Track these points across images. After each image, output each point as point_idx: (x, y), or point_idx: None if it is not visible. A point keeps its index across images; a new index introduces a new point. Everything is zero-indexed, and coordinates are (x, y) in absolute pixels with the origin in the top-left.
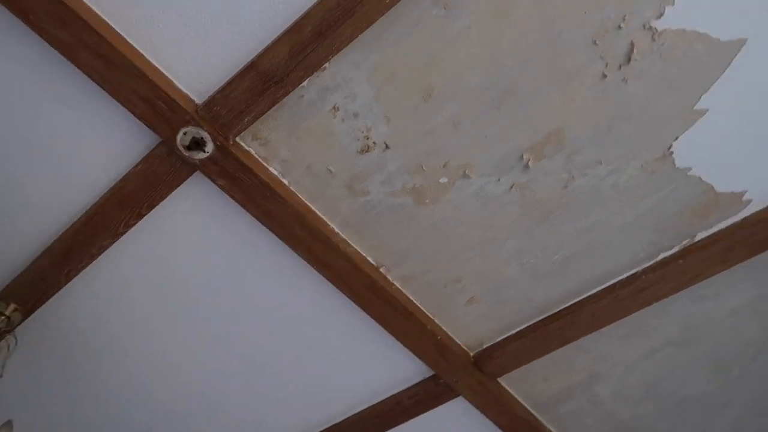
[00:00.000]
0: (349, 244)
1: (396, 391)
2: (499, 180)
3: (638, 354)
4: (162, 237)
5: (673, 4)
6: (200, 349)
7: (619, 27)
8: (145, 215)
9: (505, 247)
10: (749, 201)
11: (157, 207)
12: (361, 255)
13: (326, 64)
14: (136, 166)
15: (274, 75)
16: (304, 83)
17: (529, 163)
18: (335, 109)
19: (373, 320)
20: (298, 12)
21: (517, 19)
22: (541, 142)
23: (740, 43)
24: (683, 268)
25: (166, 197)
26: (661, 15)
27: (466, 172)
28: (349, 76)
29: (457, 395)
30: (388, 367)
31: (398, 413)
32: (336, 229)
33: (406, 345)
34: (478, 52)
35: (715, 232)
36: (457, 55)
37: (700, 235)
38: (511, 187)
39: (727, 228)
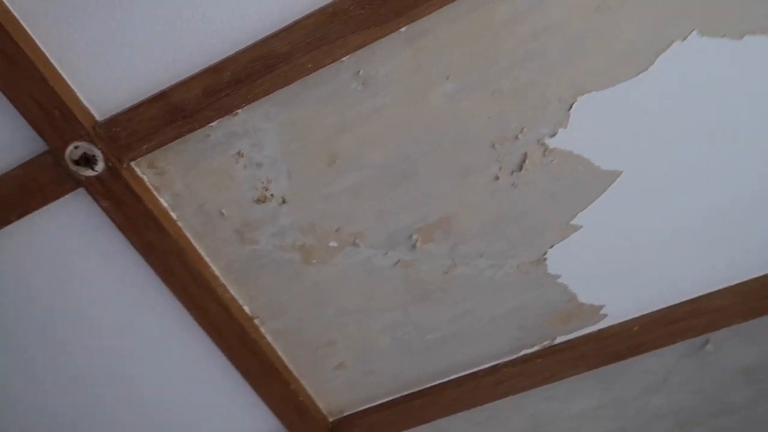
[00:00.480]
0: (227, 290)
1: None
2: (386, 254)
3: None
4: (27, 249)
5: (565, 127)
6: (48, 373)
7: (517, 137)
8: (12, 222)
9: (382, 318)
10: (605, 315)
11: (28, 216)
12: (238, 303)
13: (239, 111)
14: (15, 169)
15: (183, 109)
16: (213, 124)
17: (417, 244)
18: (240, 155)
19: (237, 371)
20: (220, 55)
21: (428, 110)
22: (431, 226)
23: (616, 174)
24: (540, 367)
25: (40, 208)
26: (554, 135)
27: (357, 240)
28: (260, 127)
29: None
30: (244, 423)
31: None
32: (217, 273)
33: (266, 402)
34: (387, 132)
35: (572, 339)
36: (367, 129)
37: (560, 339)
38: (397, 263)
39: (583, 336)
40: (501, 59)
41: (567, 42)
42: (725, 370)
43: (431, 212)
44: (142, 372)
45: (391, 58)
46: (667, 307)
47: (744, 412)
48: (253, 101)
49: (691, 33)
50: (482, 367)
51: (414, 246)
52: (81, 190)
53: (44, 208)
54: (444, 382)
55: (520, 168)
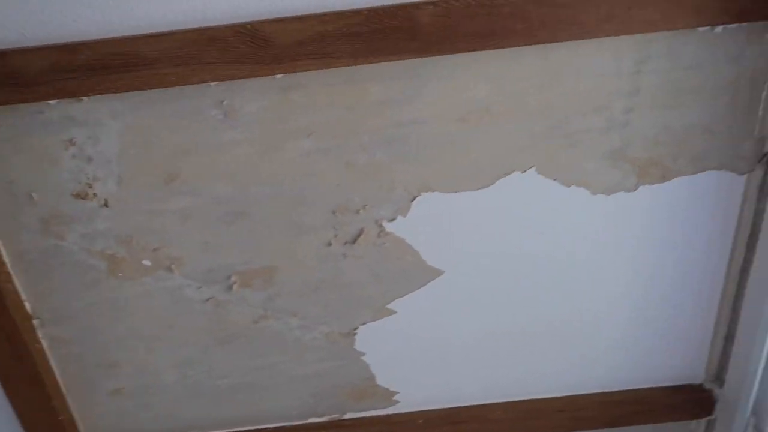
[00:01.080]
0: (11, 280)
1: None
2: (200, 288)
3: None
4: None
5: (405, 216)
6: None
7: (358, 212)
8: None
9: (177, 352)
10: (397, 402)
11: None
12: (20, 298)
13: (84, 98)
14: None
15: (21, 77)
16: (52, 102)
17: (234, 287)
18: (71, 142)
19: None
20: (80, 36)
21: (281, 160)
22: (253, 272)
23: (438, 273)
24: None
25: None
26: (392, 219)
27: (173, 266)
28: (103, 122)
29: None
30: None
31: None
32: (5, 259)
33: (18, 412)
34: (234, 168)
35: (360, 417)
36: (214, 159)
37: (349, 415)
38: (208, 300)
39: (372, 418)
40: (363, 135)
41: (426, 139)
42: None
43: (257, 259)
44: None
45: (259, 99)
46: (453, 408)
47: None
48: (103, 94)
49: (530, 168)
50: (267, 426)
51: (230, 287)
52: None
53: None
54: None
55: (354, 241)
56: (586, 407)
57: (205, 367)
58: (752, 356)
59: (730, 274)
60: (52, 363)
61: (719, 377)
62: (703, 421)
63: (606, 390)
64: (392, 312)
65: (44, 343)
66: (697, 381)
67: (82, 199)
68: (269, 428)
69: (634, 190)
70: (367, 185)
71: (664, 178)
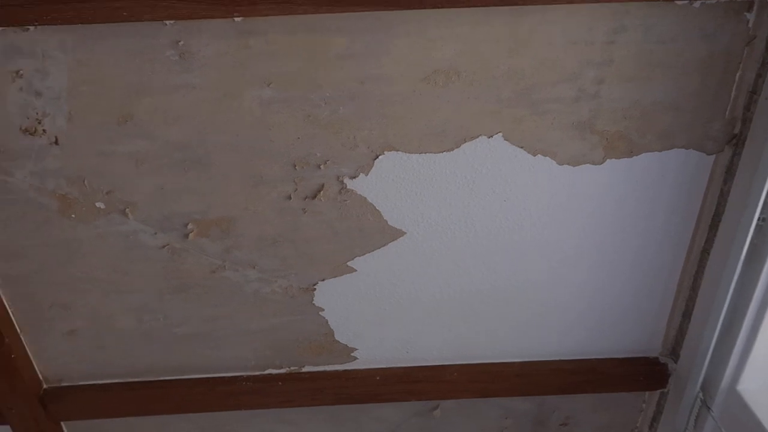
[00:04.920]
0: None
1: None
2: (155, 234)
3: None
4: None
5: (367, 174)
6: None
7: (319, 167)
8: None
9: (131, 297)
10: (356, 358)
11: None
12: None
13: (31, 27)
14: None
15: None
16: None
17: (191, 235)
18: (19, 75)
19: None
20: None
21: (239, 108)
22: (210, 221)
23: (400, 233)
24: (280, 390)
25: None
26: (354, 177)
27: (127, 210)
28: (52, 54)
29: (5, 423)
30: None
31: None
32: None
33: None
34: (190, 113)
35: (318, 371)
36: (170, 102)
37: (307, 368)
38: (164, 247)
39: (329, 372)
40: (325, 88)
41: (390, 97)
42: None
43: (214, 208)
44: None
45: (217, 43)
46: (410, 367)
47: None
48: (50, 24)
49: (497, 134)
50: (222, 374)
51: (187, 236)
52: None
53: None
54: (178, 380)
55: (314, 197)
56: (541, 374)
57: (161, 315)
58: (706, 334)
59: (692, 252)
60: (6, 300)
61: (675, 352)
62: (656, 393)
63: (562, 358)
64: (352, 270)
65: None
66: (653, 354)
67: (31, 134)
68: (226, 377)
69: (601, 163)
70: (328, 140)
71: (631, 153)
